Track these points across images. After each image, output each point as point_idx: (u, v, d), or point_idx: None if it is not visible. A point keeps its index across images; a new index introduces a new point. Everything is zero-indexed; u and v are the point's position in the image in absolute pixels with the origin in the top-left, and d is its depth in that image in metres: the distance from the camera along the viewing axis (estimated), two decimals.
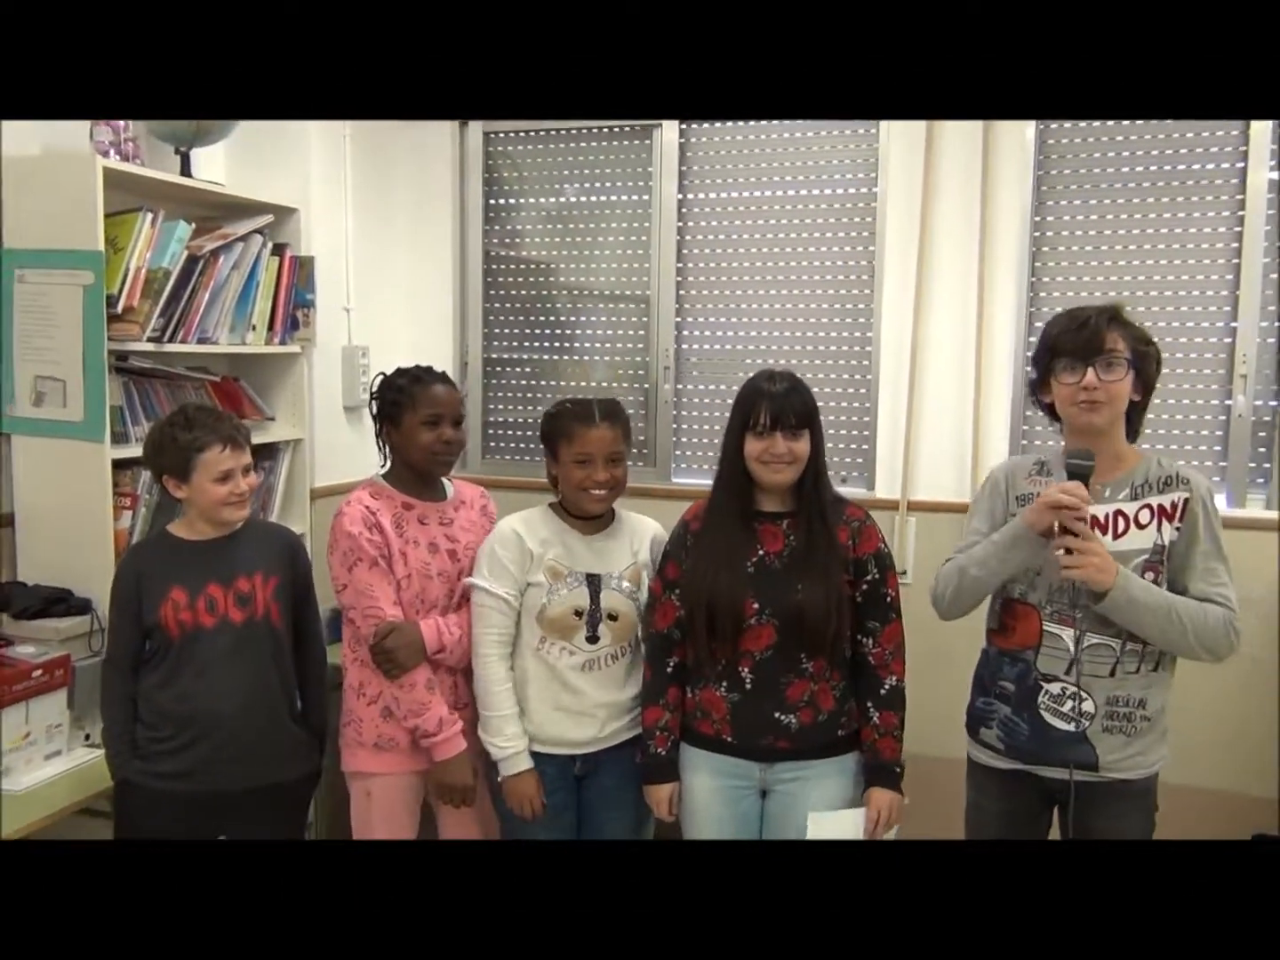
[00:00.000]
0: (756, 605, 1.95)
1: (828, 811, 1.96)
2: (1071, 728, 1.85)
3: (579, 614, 2.07)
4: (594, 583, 2.09)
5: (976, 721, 2.01)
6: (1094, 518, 1.83)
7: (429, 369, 2.19)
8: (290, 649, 2.13)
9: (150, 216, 2.43)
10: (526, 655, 2.09)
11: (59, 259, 2.31)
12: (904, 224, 3.07)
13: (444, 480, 2.27)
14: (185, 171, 2.68)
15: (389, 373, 2.21)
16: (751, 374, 2.04)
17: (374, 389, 2.21)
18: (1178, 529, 1.84)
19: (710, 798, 2.02)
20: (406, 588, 2.10)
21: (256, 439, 2.83)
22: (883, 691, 2.00)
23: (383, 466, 2.23)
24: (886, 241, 3.11)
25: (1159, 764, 1.90)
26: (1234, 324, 2.86)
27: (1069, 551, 1.77)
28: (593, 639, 2.08)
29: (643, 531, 2.19)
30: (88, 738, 2.27)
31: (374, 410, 2.20)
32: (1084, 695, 1.84)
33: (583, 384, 3.51)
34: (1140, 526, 1.85)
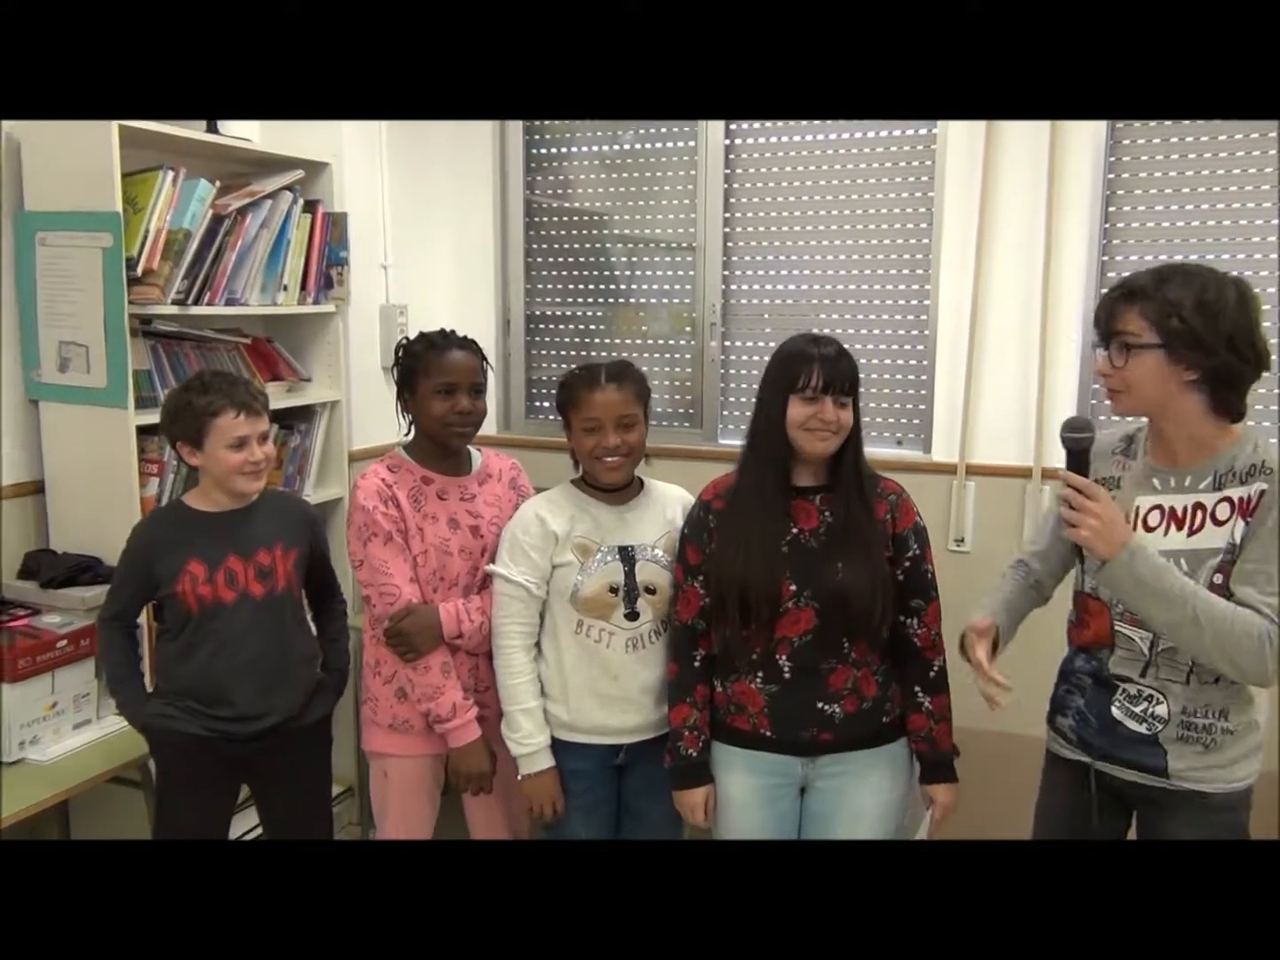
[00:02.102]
0: (794, 587, 1.82)
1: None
2: (1144, 729, 1.68)
3: (614, 590, 1.97)
4: (627, 555, 1.99)
5: (1055, 709, 1.86)
6: (1172, 510, 1.62)
7: (449, 334, 2.09)
8: (307, 611, 2.11)
9: (170, 175, 2.36)
10: (564, 640, 1.99)
11: (78, 221, 2.25)
12: (965, 169, 2.85)
13: (471, 450, 2.18)
14: (211, 128, 2.61)
15: (411, 337, 2.12)
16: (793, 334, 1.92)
17: (397, 354, 2.13)
18: (1248, 523, 1.56)
19: (747, 798, 1.91)
20: (424, 564, 2.02)
21: (293, 400, 2.81)
22: (932, 674, 1.89)
23: (406, 435, 2.15)
24: (946, 188, 2.89)
25: (1249, 779, 1.67)
26: None
27: (1072, 508, 1.56)
28: (632, 615, 1.98)
29: (672, 498, 2.08)
30: None
31: (395, 377, 2.12)
32: (1160, 698, 1.66)
33: (632, 340, 3.38)
34: (1217, 523, 1.58)
